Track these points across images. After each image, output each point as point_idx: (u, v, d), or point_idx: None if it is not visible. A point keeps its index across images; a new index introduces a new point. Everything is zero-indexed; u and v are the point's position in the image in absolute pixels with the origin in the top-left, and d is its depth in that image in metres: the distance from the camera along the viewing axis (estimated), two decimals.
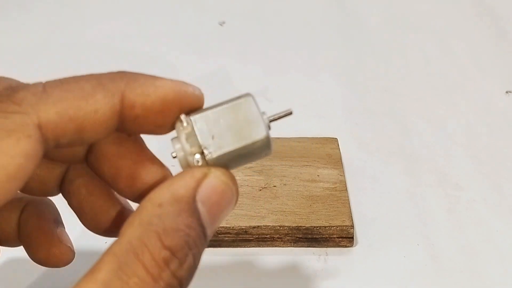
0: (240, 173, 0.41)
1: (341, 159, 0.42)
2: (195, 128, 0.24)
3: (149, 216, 0.22)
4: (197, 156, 0.24)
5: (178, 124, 0.24)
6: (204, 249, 0.23)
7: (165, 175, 0.27)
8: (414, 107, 0.50)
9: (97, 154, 0.27)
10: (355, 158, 0.45)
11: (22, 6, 0.62)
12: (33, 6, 0.62)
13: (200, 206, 0.23)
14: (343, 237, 0.38)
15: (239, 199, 0.40)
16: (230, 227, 0.37)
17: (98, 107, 0.23)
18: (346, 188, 0.40)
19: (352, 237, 0.38)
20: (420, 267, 0.37)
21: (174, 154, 0.24)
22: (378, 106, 0.51)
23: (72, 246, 0.30)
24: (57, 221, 0.30)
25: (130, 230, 0.22)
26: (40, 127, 0.22)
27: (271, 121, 0.25)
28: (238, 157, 0.24)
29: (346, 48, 0.58)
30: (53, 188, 0.29)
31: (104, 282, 0.20)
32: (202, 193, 0.23)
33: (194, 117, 0.24)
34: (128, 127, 0.25)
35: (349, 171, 0.43)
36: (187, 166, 0.24)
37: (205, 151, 0.24)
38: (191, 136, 0.24)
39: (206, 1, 0.64)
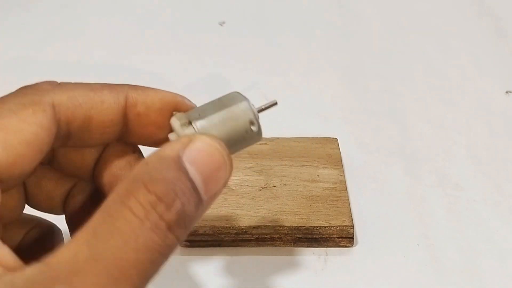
0: (240, 173, 0.41)
1: (341, 159, 0.42)
2: (187, 113, 0.26)
3: (137, 173, 0.23)
4: (185, 126, 0.26)
5: (172, 117, 0.27)
6: (199, 210, 0.24)
7: None
8: (414, 107, 0.50)
9: (102, 166, 0.28)
10: (355, 158, 0.45)
11: (22, 6, 0.62)
12: (33, 6, 0.62)
13: (188, 165, 0.24)
14: (343, 237, 0.38)
15: (239, 199, 0.40)
16: (230, 227, 0.37)
17: (104, 99, 0.26)
18: (346, 188, 0.40)
19: (352, 237, 0.38)
20: (420, 267, 0.37)
21: None
22: (378, 106, 0.51)
23: None
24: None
25: (119, 185, 0.23)
26: (53, 106, 0.24)
27: (259, 111, 0.27)
28: (225, 128, 0.26)
29: (346, 48, 0.58)
30: (59, 204, 0.30)
31: (92, 228, 0.22)
32: (189, 154, 0.24)
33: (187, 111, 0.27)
34: (131, 128, 0.27)
35: (349, 171, 0.43)
36: None
37: (193, 122, 0.26)
38: (182, 117, 0.26)
39: (206, 1, 0.64)
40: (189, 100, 0.27)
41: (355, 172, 0.44)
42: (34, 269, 0.21)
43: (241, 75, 0.53)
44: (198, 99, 0.28)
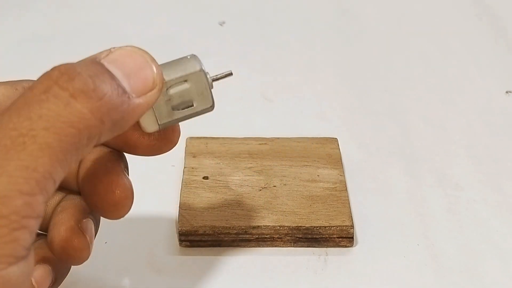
0: (240, 173, 0.41)
1: (341, 159, 0.42)
2: None
3: None
4: None
5: None
6: (125, 103, 0.23)
7: (131, 188, 0.28)
8: (414, 107, 0.50)
9: (80, 174, 0.28)
10: (355, 158, 0.45)
11: (22, 6, 0.62)
12: (33, 6, 0.62)
13: (106, 63, 0.23)
14: (343, 237, 0.38)
15: (239, 199, 0.40)
16: (230, 227, 0.37)
17: None
18: (346, 188, 0.40)
19: (352, 237, 0.38)
20: (420, 267, 0.37)
21: None
22: (378, 106, 0.51)
23: (91, 242, 0.28)
24: (86, 211, 0.29)
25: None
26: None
27: (213, 80, 0.27)
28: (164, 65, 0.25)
29: (346, 48, 0.58)
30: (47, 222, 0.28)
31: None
32: (108, 58, 0.24)
33: None
34: None
35: (349, 171, 0.43)
36: None
37: None
38: None
39: (206, 1, 0.64)
40: None
41: (355, 172, 0.44)
42: None
43: (241, 75, 0.53)
44: None
